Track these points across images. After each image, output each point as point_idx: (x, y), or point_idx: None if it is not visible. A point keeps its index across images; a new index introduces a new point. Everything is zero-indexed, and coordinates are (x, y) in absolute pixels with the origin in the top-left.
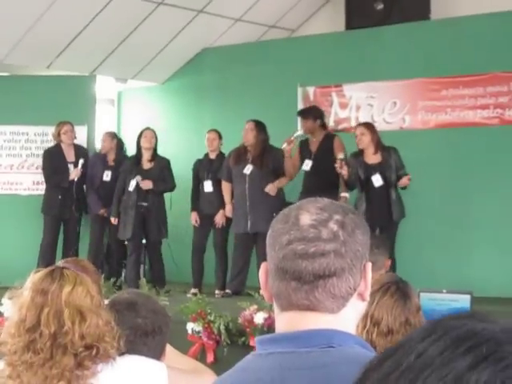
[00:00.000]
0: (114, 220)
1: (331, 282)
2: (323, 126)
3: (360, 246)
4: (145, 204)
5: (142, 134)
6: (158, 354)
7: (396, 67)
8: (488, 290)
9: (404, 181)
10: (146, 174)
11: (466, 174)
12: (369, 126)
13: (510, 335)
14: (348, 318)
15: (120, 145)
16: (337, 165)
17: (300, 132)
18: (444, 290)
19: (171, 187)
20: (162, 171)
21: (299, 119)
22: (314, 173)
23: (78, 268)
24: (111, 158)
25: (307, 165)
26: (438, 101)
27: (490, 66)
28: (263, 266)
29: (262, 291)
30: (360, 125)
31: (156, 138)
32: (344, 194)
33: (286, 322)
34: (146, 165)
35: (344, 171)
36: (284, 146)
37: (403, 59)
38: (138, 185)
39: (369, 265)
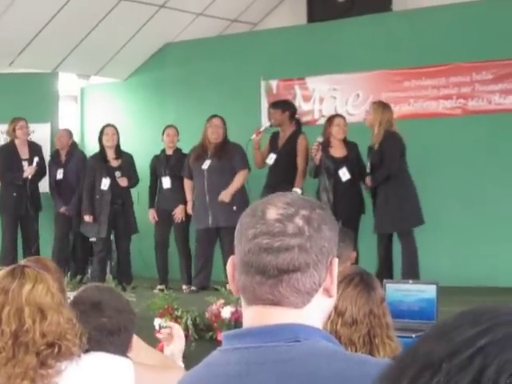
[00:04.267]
0: (88, 218)
1: (295, 276)
2: (297, 122)
3: (326, 241)
4: (119, 201)
5: (103, 132)
6: (124, 351)
7: (358, 59)
8: (454, 279)
9: (369, 182)
10: (119, 174)
11: (429, 164)
12: (344, 118)
13: None
14: (313, 313)
15: (74, 144)
16: (314, 147)
17: (267, 124)
18: (410, 281)
19: (136, 181)
20: (128, 166)
21: (268, 111)
22: (275, 167)
23: (39, 266)
24: (63, 153)
25: (271, 159)
26: (400, 92)
27: (452, 56)
28: (231, 259)
29: (229, 285)
30: (339, 116)
31: (118, 134)
32: (296, 189)
33: (252, 316)
34: (113, 162)
35: (318, 156)
36: (253, 137)
37: (365, 51)
38: (112, 183)
39: (335, 261)
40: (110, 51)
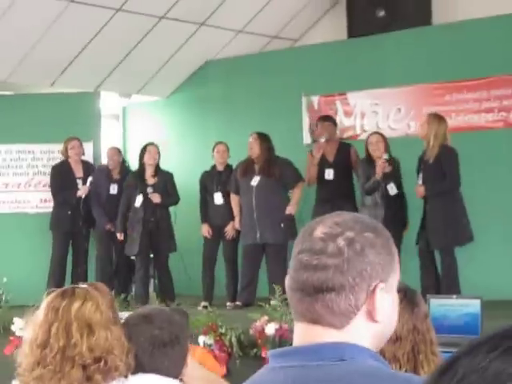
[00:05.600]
0: (119, 235)
1: (329, 297)
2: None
3: (369, 266)
4: (152, 219)
5: (145, 150)
6: (179, 365)
7: (399, 73)
8: (497, 293)
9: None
10: (151, 189)
11: (472, 178)
12: (383, 135)
13: None
14: (357, 336)
15: (124, 160)
16: (381, 164)
17: (323, 138)
18: (454, 296)
19: (176, 200)
20: (166, 185)
21: (321, 124)
22: (333, 181)
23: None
24: (116, 171)
25: (329, 174)
26: (442, 106)
27: (493, 69)
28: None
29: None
30: (375, 133)
31: (159, 153)
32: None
33: (298, 333)
34: (150, 180)
35: (385, 170)
36: (317, 153)
37: (406, 65)
38: (144, 200)
39: (379, 286)
40: (152, 70)
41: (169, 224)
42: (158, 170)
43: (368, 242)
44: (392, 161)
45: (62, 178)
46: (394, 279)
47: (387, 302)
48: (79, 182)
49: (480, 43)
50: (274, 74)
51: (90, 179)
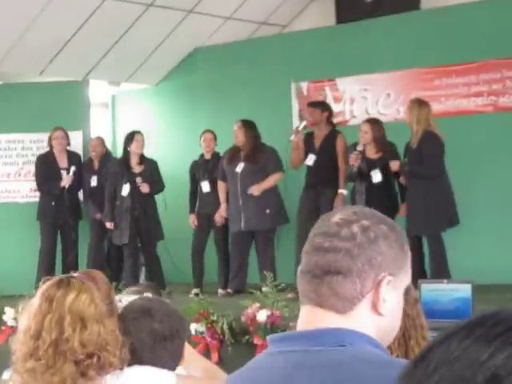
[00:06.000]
0: (109, 225)
1: (336, 279)
2: (331, 123)
3: (380, 255)
4: (139, 208)
5: (132, 138)
6: (177, 359)
7: (388, 59)
8: (488, 277)
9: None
10: (140, 179)
11: (462, 162)
12: (375, 122)
13: None
14: (357, 324)
15: (107, 151)
16: (353, 155)
17: (304, 123)
18: (445, 280)
19: (161, 188)
20: (152, 173)
21: (307, 110)
22: (316, 168)
23: (87, 278)
24: (97, 161)
25: (310, 159)
26: (431, 90)
27: (482, 53)
28: None
29: None
30: (367, 121)
31: (144, 141)
32: (342, 191)
33: (302, 316)
34: (136, 168)
35: (356, 164)
36: (292, 137)
37: (395, 50)
38: (132, 189)
39: (387, 278)
40: (140, 57)
41: (155, 211)
42: (142, 158)
43: (382, 233)
44: (385, 145)
45: (46, 168)
46: (405, 278)
47: (393, 297)
48: (63, 172)
49: (469, 27)
50: (263, 61)
51: (72, 168)
